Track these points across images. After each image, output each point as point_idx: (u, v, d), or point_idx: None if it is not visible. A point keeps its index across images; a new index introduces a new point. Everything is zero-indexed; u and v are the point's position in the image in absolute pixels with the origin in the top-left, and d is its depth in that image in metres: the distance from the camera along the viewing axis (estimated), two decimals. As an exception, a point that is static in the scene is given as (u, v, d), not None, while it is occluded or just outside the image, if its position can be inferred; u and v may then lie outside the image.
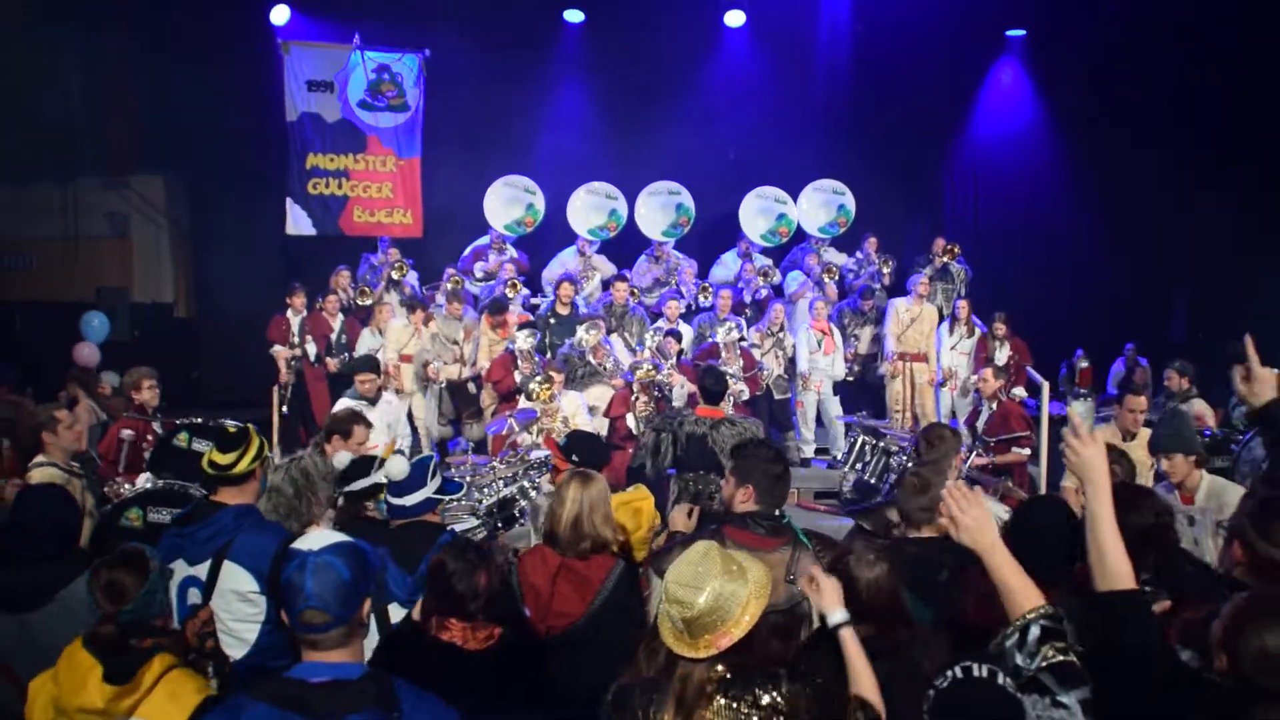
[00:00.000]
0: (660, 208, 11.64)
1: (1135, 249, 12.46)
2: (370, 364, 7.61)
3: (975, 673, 2.08)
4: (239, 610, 3.33)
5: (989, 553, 2.30)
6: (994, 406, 7.70)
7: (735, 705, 2.23)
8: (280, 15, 11.58)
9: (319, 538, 2.26)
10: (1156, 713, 2.19)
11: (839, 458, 9.18)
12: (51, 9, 10.86)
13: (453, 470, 7.17)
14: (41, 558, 3.35)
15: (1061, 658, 2.13)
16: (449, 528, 3.96)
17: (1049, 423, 9.32)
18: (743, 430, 5.83)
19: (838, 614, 2.65)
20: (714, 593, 2.24)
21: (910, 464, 7.07)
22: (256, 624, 3.34)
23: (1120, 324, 12.25)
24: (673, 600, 2.26)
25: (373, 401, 7.23)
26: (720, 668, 2.25)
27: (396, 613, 3.38)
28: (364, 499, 4.02)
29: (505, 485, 6.52)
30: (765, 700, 2.23)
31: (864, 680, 2.55)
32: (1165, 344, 11.98)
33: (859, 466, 8.11)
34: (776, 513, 3.35)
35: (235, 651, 3.29)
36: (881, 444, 8.08)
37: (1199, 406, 8.18)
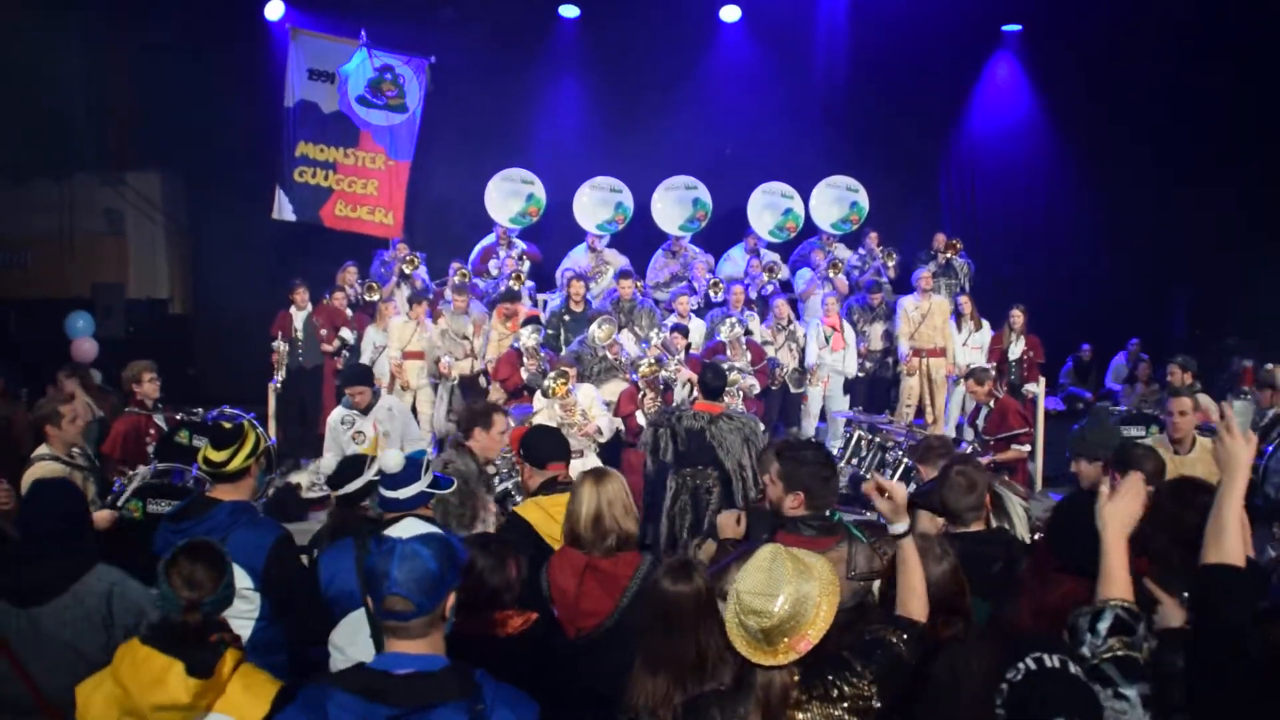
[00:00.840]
0: (677, 203, 11.72)
1: (1133, 244, 12.48)
2: (363, 375, 7.13)
3: (1048, 663, 2.11)
4: (233, 606, 3.31)
5: (1111, 541, 2.42)
6: (991, 405, 7.70)
7: (821, 702, 2.26)
8: (274, 11, 11.55)
9: (409, 526, 2.26)
10: (1243, 691, 2.25)
11: (835, 453, 9.19)
12: (49, 5, 10.84)
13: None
14: (51, 552, 3.35)
15: (1126, 653, 2.19)
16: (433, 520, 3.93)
17: (1045, 418, 9.36)
18: (741, 424, 5.78)
19: (901, 524, 2.70)
20: (790, 597, 2.23)
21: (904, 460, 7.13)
22: (250, 620, 3.37)
23: (1119, 319, 12.28)
24: (749, 611, 2.24)
25: (364, 411, 6.90)
26: (797, 669, 2.27)
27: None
28: (360, 500, 4.00)
29: (501, 481, 6.51)
30: (848, 689, 2.27)
31: (915, 589, 2.59)
32: (1164, 339, 12.00)
33: (854, 461, 8.13)
34: (826, 512, 3.29)
35: (229, 647, 3.30)
36: (877, 439, 8.11)
37: (1204, 401, 8.19)
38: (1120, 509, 2.46)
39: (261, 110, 11.46)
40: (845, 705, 2.26)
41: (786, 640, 2.23)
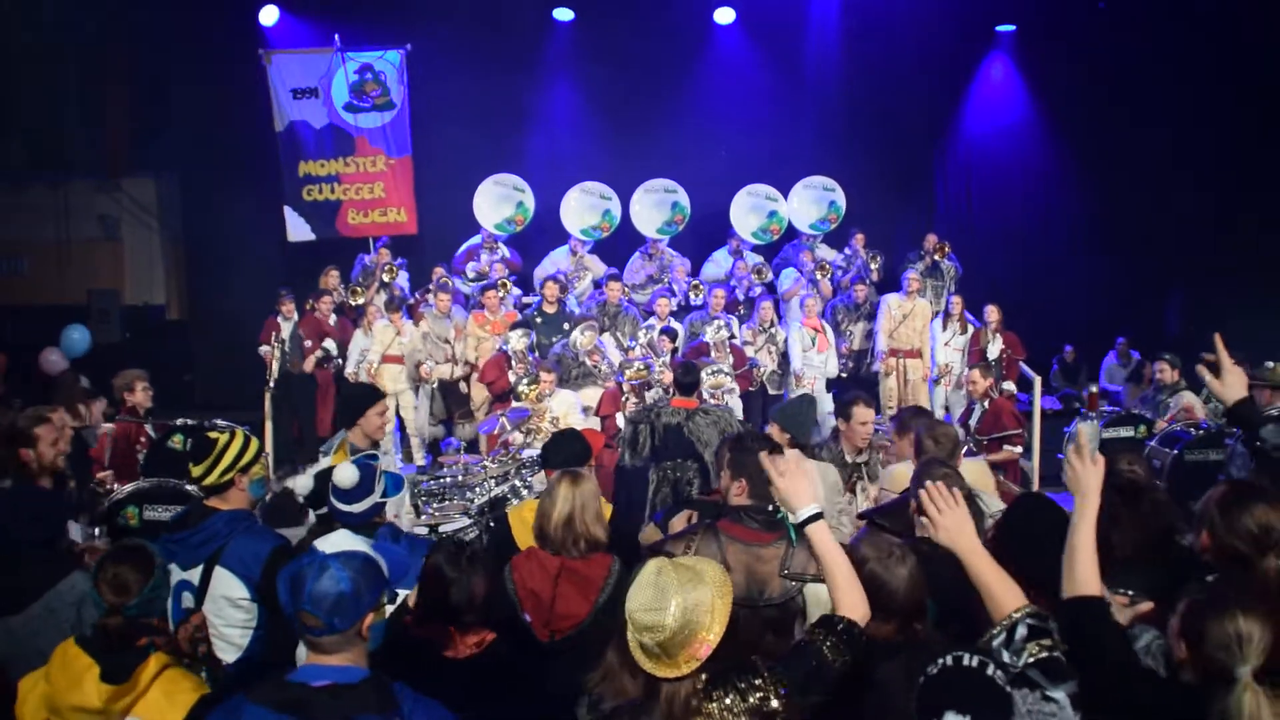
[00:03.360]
0: (655, 205, 11.70)
1: (1127, 243, 12.49)
2: (376, 394, 5.46)
3: (965, 662, 2.10)
4: (230, 616, 3.34)
5: (969, 555, 2.38)
6: (985, 405, 7.71)
7: (719, 705, 2.22)
8: (269, 16, 11.56)
9: (338, 541, 2.26)
10: (1118, 716, 2.26)
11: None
12: (45, 13, 10.84)
13: (444, 469, 7.19)
14: (26, 559, 3.33)
15: (1047, 654, 2.17)
16: (388, 522, 3.85)
17: (1041, 417, 9.38)
18: (717, 418, 5.96)
19: (808, 508, 2.58)
20: (680, 607, 2.19)
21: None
22: (248, 629, 3.35)
23: (1112, 318, 12.30)
24: (642, 628, 2.21)
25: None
26: (704, 675, 2.23)
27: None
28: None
29: (497, 484, 6.52)
30: (753, 698, 2.23)
31: (841, 581, 2.48)
32: (1158, 338, 12.02)
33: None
34: (770, 507, 3.30)
35: (227, 656, 3.30)
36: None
37: (1188, 398, 8.23)
38: (950, 526, 2.42)
39: (257, 116, 11.47)
40: (745, 706, 2.22)
41: (685, 650, 2.19)
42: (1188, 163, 11.86)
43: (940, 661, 2.11)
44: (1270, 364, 7.60)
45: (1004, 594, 2.31)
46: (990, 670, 2.09)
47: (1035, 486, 8.56)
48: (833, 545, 2.54)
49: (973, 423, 7.74)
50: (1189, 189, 11.87)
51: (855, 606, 2.45)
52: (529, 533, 3.84)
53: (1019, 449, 7.63)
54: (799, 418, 4.93)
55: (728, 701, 2.22)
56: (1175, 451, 7.10)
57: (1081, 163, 12.89)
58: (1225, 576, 2.65)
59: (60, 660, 2.64)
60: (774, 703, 2.24)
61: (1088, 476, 2.46)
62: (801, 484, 2.64)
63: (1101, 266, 12.82)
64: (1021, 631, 2.20)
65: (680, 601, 2.19)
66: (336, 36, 11.17)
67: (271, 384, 9.41)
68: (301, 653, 3.17)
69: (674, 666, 2.21)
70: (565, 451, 4.20)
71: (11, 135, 11.18)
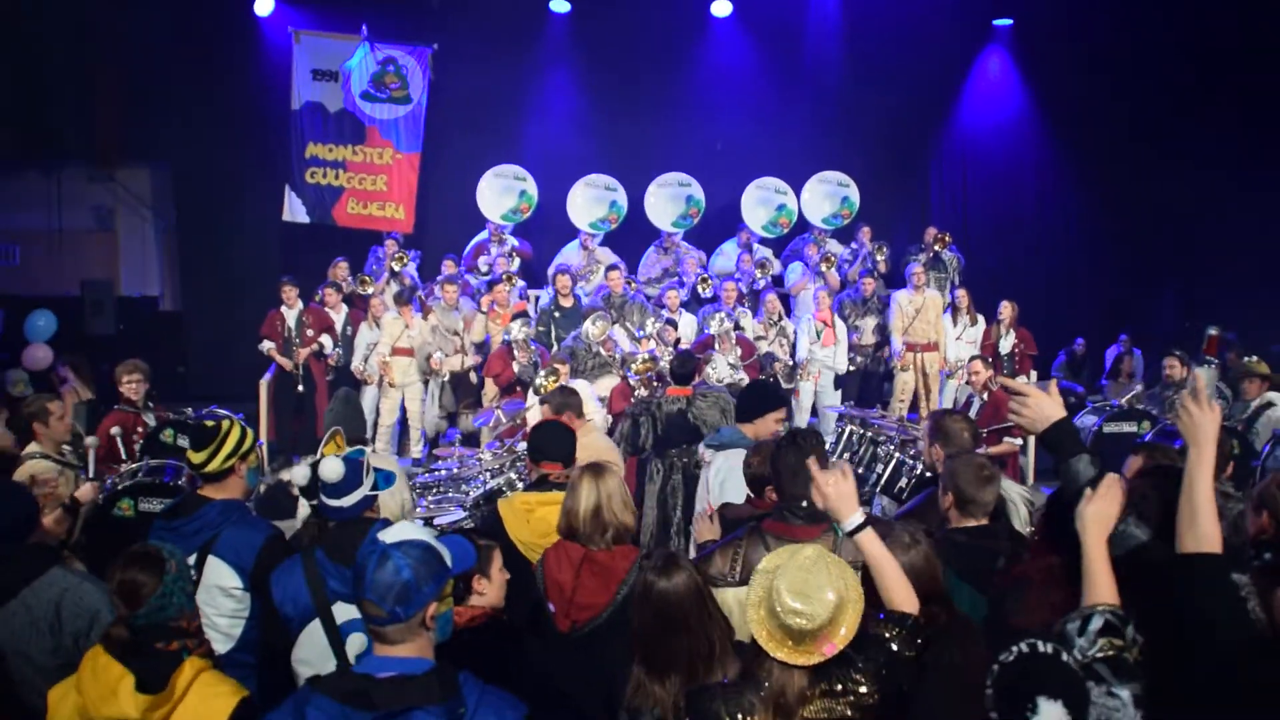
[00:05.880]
0: (670, 199, 11.73)
1: (1124, 237, 12.51)
2: (781, 400, 5.67)
3: (1040, 649, 2.12)
4: (223, 605, 3.33)
5: (1096, 542, 2.36)
6: (985, 397, 7.69)
7: (825, 698, 2.30)
8: (264, 7, 11.51)
9: (399, 531, 2.25)
10: (1223, 679, 2.25)
11: (827, 448, 9.19)
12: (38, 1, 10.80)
13: (440, 463, 7.15)
14: (2, 557, 3.27)
15: (1117, 653, 2.19)
16: (382, 518, 3.78)
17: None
18: (716, 399, 6.06)
19: (853, 517, 2.66)
20: (834, 601, 2.27)
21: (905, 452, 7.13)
22: (239, 619, 3.34)
23: (1109, 312, 12.31)
24: (790, 611, 2.27)
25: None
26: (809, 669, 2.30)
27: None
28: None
29: (493, 477, 6.50)
30: (851, 685, 2.33)
31: (892, 581, 2.57)
32: (1155, 332, 12.04)
33: (846, 456, 8.12)
34: (805, 503, 3.27)
35: (220, 646, 3.27)
36: (869, 434, 8.09)
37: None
38: (1098, 512, 2.40)
39: (252, 105, 11.46)
40: (850, 700, 2.30)
41: (816, 642, 2.26)
42: (1183, 156, 11.86)
43: (1015, 649, 2.13)
44: (1253, 357, 7.60)
45: (1102, 586, 2.30)
46: (1065, 657, 2.12)
47: (1030, 480, 8.57)
48: (880, 548, 2.63)
49: (972, 415, 7.72)
50: (1185, 183, 11.86)
51: (907, 601, 2.56)
52: (519, 522, 3.84)
53: (1019, 441, 7.62)
54: (346, 417, 4.88)
55: (837, 690, 2.31)
56: (1176, 446, 7.10)
57: (1077, 156, 12.92)
58: None
59: (90, 669, 2.56)
60: (872, 695, 2.33)
61: (1205, 422, 2.38)
62: (849, 494, 2.70)
63: (1097, 259, 12.84)
64: (1097, 623, 2.21)
65: (836, 596, 2.28)
66: (364, 26, 11.15)
67: (297, 377, 9.38)
68: (299, 652, 3.17)
69: (802, 655, 2.28)
70: (556, 444, 4.12)
71: (3, 123, 11.10)
